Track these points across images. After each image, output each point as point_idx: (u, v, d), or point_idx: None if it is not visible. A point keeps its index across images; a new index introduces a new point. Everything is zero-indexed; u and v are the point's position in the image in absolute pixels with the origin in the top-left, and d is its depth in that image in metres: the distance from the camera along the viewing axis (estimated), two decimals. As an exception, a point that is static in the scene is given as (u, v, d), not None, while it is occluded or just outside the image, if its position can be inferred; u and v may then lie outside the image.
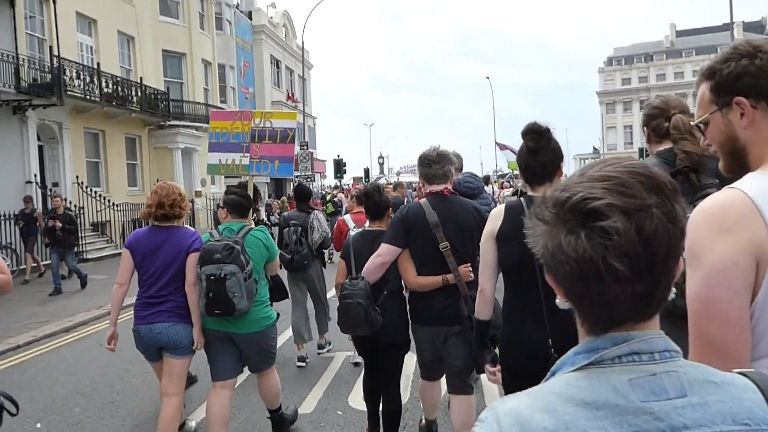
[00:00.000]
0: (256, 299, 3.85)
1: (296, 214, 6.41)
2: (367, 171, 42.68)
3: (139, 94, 21.18)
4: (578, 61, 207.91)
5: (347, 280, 3.71)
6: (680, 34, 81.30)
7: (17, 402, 2.43)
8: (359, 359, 5.72)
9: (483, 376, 3.79)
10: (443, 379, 3.84)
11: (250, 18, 37.18)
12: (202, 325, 3.90)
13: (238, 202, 4.06)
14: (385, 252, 3.49)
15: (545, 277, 0.88)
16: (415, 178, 43.15)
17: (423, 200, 3.52)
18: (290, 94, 41.73)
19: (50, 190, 17.14)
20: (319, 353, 6.59)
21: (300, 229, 6.14)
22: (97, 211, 18.45)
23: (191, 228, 4.16)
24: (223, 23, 31.52)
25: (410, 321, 3.67)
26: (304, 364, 6.23)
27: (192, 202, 23.39)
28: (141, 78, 21.66)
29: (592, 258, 0.78)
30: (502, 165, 49.53)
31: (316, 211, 6.49)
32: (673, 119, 2.41)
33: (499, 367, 2.60)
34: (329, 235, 6.50)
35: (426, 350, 3.62)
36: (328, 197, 16.64)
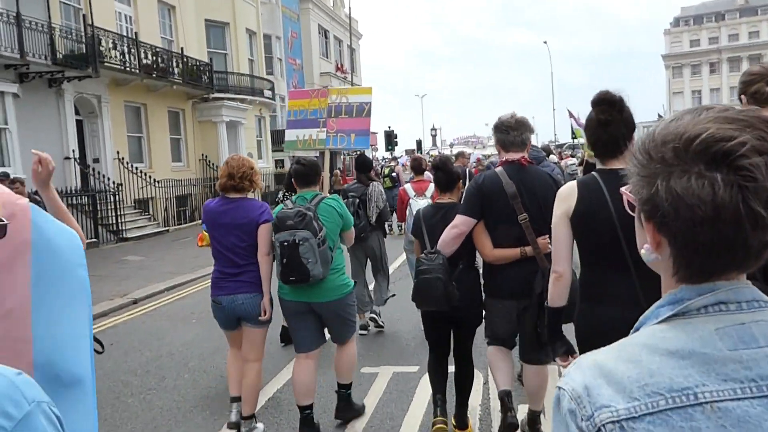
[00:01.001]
0: (333, 267, 3.83)
1: (354, 186, 6.46)
2: (419, 143, 41.39)
3: (181, 65, 20.31)
4: (632, 26, 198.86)
5: (423, 255, 3.56)
6: (755, -10, 75.49)
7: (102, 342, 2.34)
8: (364, 332, 6.16)
9: None
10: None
11: (297, -14, 35.94)
12: (281, 296, 3.95)
13: (302, 172, 4.02)
14: (461, 223, 3.39)
15: (644, 225, 0.84)
16: (468, 149, 41.79)
17: (499, 169, 3.39)
18: (339, 65, 40.47)
19: (91, 168, 16.52)
20: (363, 330, 6.36)
21: (357, 200, 6.08)
22: (139, 188, 17.77)
23: (258, 200, 4.16)
24: (269, -9, 30.41)
25: (484, 295, 3.60)
26: (366, 332, 6.33)
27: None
28: (182, 48, 20.76)
29: (731, 201, 0.74)
30: (560, 135, 47.25)
31: (374, 183, 6.42)
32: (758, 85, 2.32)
33: (572, 360, 2.46)
34: (387, 208, 6.48)
35: (499, 324, 3.51)
36: (386, 171, 15.81)
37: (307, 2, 36.15)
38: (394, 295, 6.62)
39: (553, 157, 13.52)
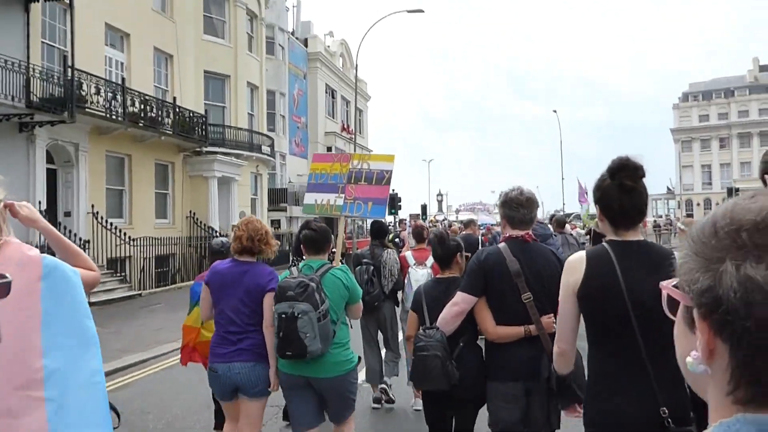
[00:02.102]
0: (335, 341, 3.69)
1: (368, 252, 6.25)
2: (424, 208, 40.07)
3: (172, 115, 19.02)
4: (633, 101, 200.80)
5: (421, 331, 3.45)
6: (763, 68, 75.75)
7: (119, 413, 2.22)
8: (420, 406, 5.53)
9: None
10: None
11: (306, 45, 35.45)
12: (279, 368, 3.77)
13: (312, 238, 3.91)
14: (461, 300, 3.27)
15: (698, 325, 0.69)
16: (473, 216, 40.42)
17: (502, 245, 3.30)
18: (345, 125, 39.59)
19: (59, 222, 14.92)
20: (372, 407, 6.05)
21: (372, 268, 5.94)
22: (114, 246, 16.11)
23: (268, 266, 3.98)
24: (275, 48, 29.72)
25: (488, 377, 3.34)
26: (379, 405, 6.06)
27: (225, 236, 20.93)
28: (174, 98, 19.55)
29: None
30: (568, 204, 45.92)
31: (389, 250, 6.27)
32: None
33: (579, 410, 2.46)
34: (401, 276, 6.24)
35: (504, 411, 3.22)
36: (390, 236, 15.08)
37: (315, 61, 35.56)
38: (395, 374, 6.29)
39: (568, 228, 12.43)
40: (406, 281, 6.21)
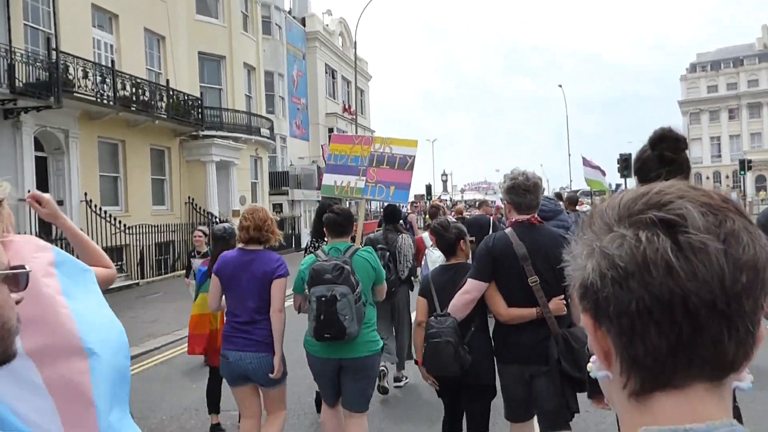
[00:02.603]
0: (365, 322, 3.74)
1: (382, 237, 6.18)
2: (429, 188, 39.49)
3: (165, 99, 18.42)
4: (638, 75, 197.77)
5: (433, 318, 3.48)
6: (773, 36, 74.10)
7: None
8: (400, 383, 6.00)
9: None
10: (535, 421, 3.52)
11: (304, 25, 34.64)
12: (309, 352, 3.87)
13: (336, 221, 3.96)
14: (472, 288, 3.34)
15: (587, 325, 0.70)
16: (479, 196, 39.93)
17: (509, 230, 3.36)
18: (347, 106, 38.86)
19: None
20: (396, 386, 6.13)
21: (387, 254, 5.89)
22: (110, 235, 15.63)
23: (276, 253, 3.96)
24: (272, 28, 28.95)
25: (495, 359, 3.47)
26: (401, 383, 6.12)
27: (223, 222, 20.42)
28: (168, 80, 18.93)
29: (663, 254, 0.61)
30: (575, 181, 45.21)
31: (404, 235, 6.18)
32: None
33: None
34: (415, 267, 6.34)
35: (512, 390, 3.38)
36: None
37: (314, 41, 34.77)
38: (407, 380, 6.20)
39: (585, 206, 12.24)
40: (423, 262, 6.37)
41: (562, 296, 3.19)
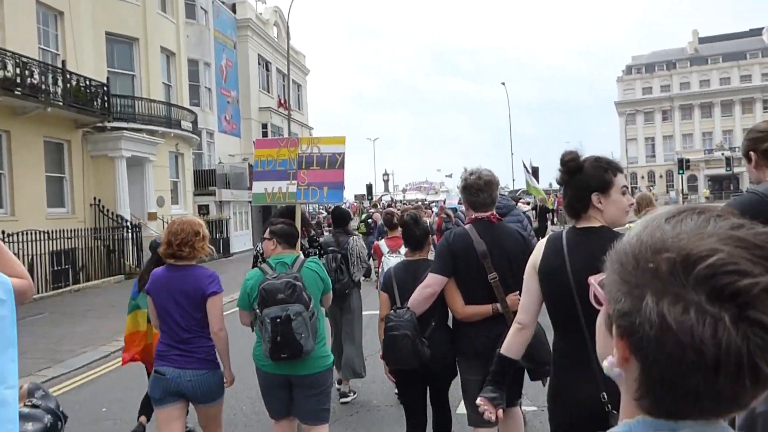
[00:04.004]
0: (319, 335, 3.71)
1: (333, 240, 6.06)
2: (369, 187, 37.70)
3: (62, 83, 15.76)
4: (563, 77, 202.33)
5: (392, 312, 3.54)
6: (703, 40, 76.28)
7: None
8: (347, 398, 5.82)
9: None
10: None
11: (234, 11, 32.09)
12: (259, 366, 3.77)
13: (288, 232, 3.94)
14: (433, 282, 3.39)
15: (615, 339, 0.74)
16: (421, 195, 38.44)
17: (468, 226, 3.42)
18: (282, 101, 36.47)
19: None
20: (342, 402, 5.79)
21: (339, 256, 5.74)
22: (-12, 243, 12.91)
23: (209, 269, 3.78)
24: (197, 11, 26.42)
25: (456, 355, 3.51)
26: (348, 399, 5.84)
27: (137, 227, 17.85)
28: (64, 62, 16.26)
29: (736, 351, 0.61)
30: (519, 181, 44.34)
31: (354, 237, 6.13)
32: None
33: (494, 410, 2.43)
34: (370, 267, 6.58)
35: (474, 386, 3.25)
36: (363, 216, 14.90)
37: (245, 29, 32.25)
38: (355, 395, 5.96)
39: (521, 205, 12.52)
40: (380, 269, 6.38)
41: (518, 292, 3.17)
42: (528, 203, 21.68)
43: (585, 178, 2.37)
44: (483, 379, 3.23)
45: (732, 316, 0.61)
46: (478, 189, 3.37)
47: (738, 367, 0.61)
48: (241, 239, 25.77)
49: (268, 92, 35.63)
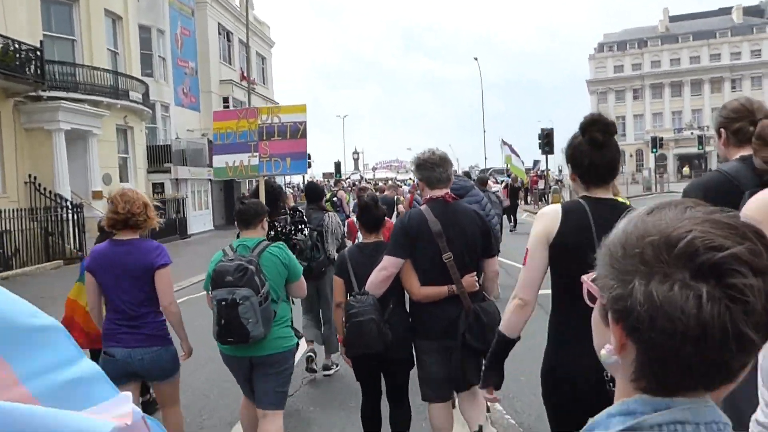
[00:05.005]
0: (276, 320, 3.60)
1: (307, 216, 5.78)
2: (338, 165, 36.35)
3: (-15, 45, 14.01)
4: (531, 56, 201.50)
5: (352, 297, 3.52)
6: (673, 19, 76.06)
7: None
8: (330, 371, 5.80)
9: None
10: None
11: (191, -24, 30.05)
12: (220, 350, 3.68)
13: (243, 212, 3.80)
14: (389, 264, 3.37)
15: (611, 325, 0.79)
16: (391, 174, 37.29)
17: (424, 207, 3.44)
18: (244, 74, 34.62)
19: None
20: (325, 375, 5.81)
21: (315, 233, 5.53)
22: None
23: (154, 241, 3.71)
24: (149, -27, 24.43)
25: (415, 336, 3.50)
26: (330, 372, 5.79)
27: (78, 207, 16.23)
28: (-12, 21, 14.48)
29: (719, 319, 0.68)
30: (491, 159, 43.53)
31: (330, 213, 6.00)
32: (762, 125, 2.23)
33: (496, 396, 2.49)
34: (345, 245, 6.21)
35: (433, 366, 3.40)
36: (328, 195, 13.66)
37: (204, -4, 30.28)
38: (338, 368, 5.83)
39: (491, 184, 12.75)
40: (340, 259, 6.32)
41: (474, 273, 3.32)
42: (500, 182, 20.97)
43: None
44: (439, 359, 3.35)
45: (713, 287, 0.67)
46: (434, 164, 3.39)
47: (723, 333, 0.67)
48: (200, 219, 24.25)
49: (230, 64, 33.78)
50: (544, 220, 2.34)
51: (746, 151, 2.32)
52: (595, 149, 2.29)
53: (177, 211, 22.25)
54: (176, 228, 21.21)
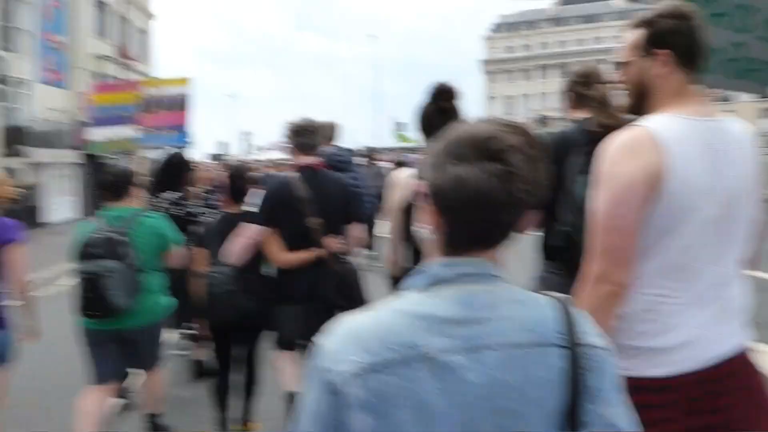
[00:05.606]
0: (147, 289, 3.54)
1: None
2: (225, 145, 35.52)
3: None
4: (422, 38, 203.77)
5: (214, 268, 3.57)
6: (565, 2, 79.43)
7: None
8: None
9: None
10: None
11: (58, -60, 27.91)
12: (82, 324, 3.56)
13: (109, 182, 3.68)
14: (252, 232, 3.45)
15: (429, 210, 1.02)
16: (282, 155, 36.95)
17: (292, 174, 3.55)
18: (123, 49, 32.84)
19: None
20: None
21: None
22: None
23: (8, 219, 3.51)
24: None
25: (277, 301, 3.57)
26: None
27: None
28: None
29: (504, 187, 0.95)
30: (382, 138, 44.11)
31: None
32: (595, 89, 2.51)
33: None
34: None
35: (288, 328, 3.52)
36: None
37: (74, -37, 28.26)
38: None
39: (384, 163, 13.49)
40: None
41: (341, 236, 3.49)
42: (391, 161, 21.50)
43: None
44: (300, 324, 3.40)
45: (499, 168, 0.95)
46: (306, 129, 3.56)
47: (506, 196, 0.95)
48: (62, 207, 22.73)
49: (106, 38, 31.87)
50: (401, 188, 2.83)
51: (583, 113, 2.57)
52: (443, 115, 2.56)
53: (34, 199, 20.76)
54: (34, 217, 19.76)
